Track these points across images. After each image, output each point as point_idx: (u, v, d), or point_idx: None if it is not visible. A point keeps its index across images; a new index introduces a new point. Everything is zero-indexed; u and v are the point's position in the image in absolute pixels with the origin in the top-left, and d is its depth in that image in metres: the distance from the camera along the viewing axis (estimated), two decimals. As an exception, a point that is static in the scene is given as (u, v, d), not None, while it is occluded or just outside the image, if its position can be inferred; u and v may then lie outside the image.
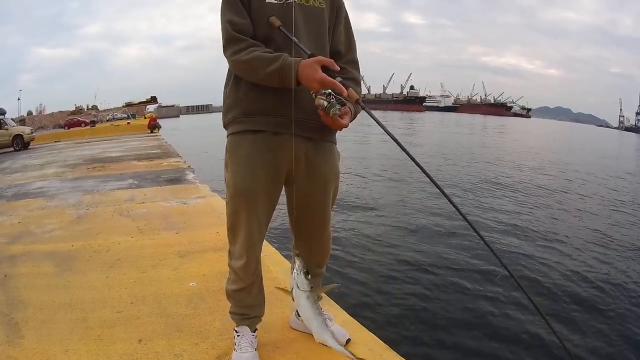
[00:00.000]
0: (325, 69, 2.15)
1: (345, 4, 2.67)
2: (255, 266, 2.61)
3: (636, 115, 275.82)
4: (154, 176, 10.57)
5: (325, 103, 2.13)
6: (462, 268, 7.62)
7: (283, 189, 2.59)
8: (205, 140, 33.85)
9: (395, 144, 2.18)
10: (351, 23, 2.70)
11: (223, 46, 2.35)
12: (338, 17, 2.59)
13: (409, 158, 2.22)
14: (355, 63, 2.68)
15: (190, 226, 5.73)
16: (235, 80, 2.45)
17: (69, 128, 51.44)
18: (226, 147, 2.55)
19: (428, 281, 7.05)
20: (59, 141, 31.33)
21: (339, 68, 2.21)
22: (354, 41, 2.70)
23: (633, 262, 8.86)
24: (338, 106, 2.14)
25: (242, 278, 2.59)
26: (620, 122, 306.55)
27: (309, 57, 2.22)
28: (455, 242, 9.04)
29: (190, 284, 3.76)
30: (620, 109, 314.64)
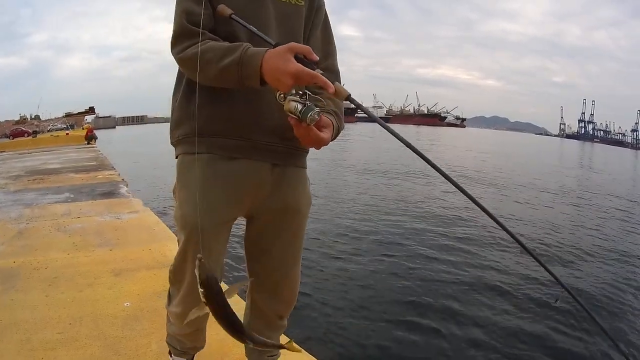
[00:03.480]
0: (299, 59, 1.52)
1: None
2: (203, 315, 1.76)
3: (579, 123, 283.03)
4: (89, 189, 10.23)
5: (300, 106, 1.53)
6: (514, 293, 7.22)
7: None
8: (137, 151, 33.26)
9: (411, 150, 1.62)
10: None
11: (171, 42, 1.77)
12: (317, 19, 2.03)
13: (431, 166, 1.60)
14: (335, 73, 2.07)
15: (124, 242, 5.59)
16: (187, 89, 1.87)
17: (13, 138, 50.01)
18: (177, 169, 1.98)
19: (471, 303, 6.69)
20: (4, 152, 29.97)
21: (317, 58, 1.55)
22: (334, 47, 2.12)
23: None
24: (317, 109, 1.55)
25: (184, 327, 2.09)
26: (561, 129, 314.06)
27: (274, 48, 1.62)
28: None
29: (125, 304, 3.66)
30: (562, 117, 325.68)
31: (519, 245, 1.80)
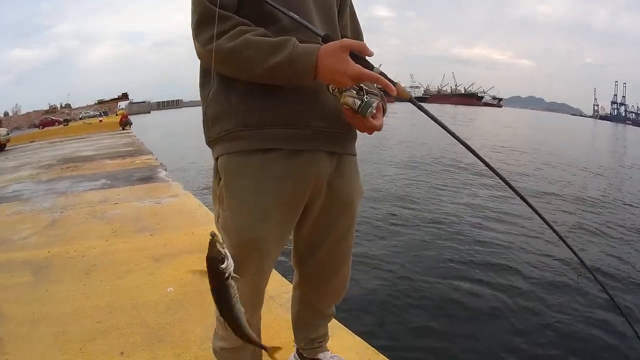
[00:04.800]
0: (354, 56, 1.47)
1: None
2: (256, 322, 1.95)
3: (611, 104, 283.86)
4: (126, 175, 10.36)
5: (358, 101, 1.54)
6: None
7: None
8: (175, 135, 33.70)
9: (466, 148, 1.65)
10: None
11: (194, 28, 1.62)
12: (344, 1, 1.94)
13: (485, 165, 1.66)
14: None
15: (164, 227, 5.62)
16: (220, 77, 1.70)
17: (43, 127, 51.45)
18: (216, 173, 1.79)
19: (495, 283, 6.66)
20: (34, 141, 30.87)
21: (373, 53, 1.50)
22: (361, 32, 2.06)
23: None
24: (375, 104, 1.56)
25: (234, 337, 1.69)
26: (595, 110, 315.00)
27: (323, 41, 1.56)
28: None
29: (168, 290, 3.67)
30: (595, 98, 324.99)
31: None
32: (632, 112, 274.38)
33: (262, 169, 1.66)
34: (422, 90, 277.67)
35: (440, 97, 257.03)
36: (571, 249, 1.80)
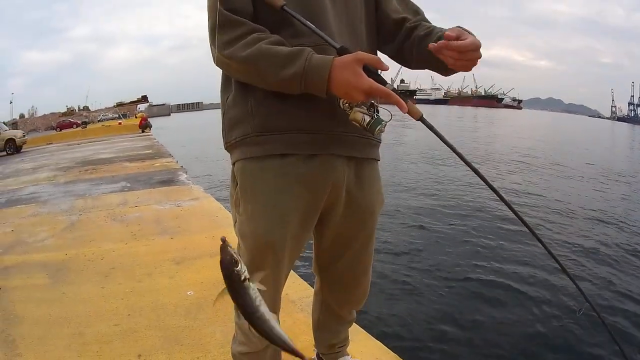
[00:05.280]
0: (367, 70, 1.48)
1: None
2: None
3: (628, 106, 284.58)
4: (146, 178, 10.44)
5: (367, 118, 1.54)
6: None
7: None
8: (196, 137, 33.86)
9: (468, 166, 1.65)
10: None
11: (210, 34, 1.65)
12: None
13: (486, 185, 1.66)
14: (423, 15, 1.94)
15: (185, 230, 5.64)
16: (240, 83, 1.72)
17: (60, 130, 52.42)
18: (234, 178, 1.83)
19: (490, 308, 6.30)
20: (51, 143, 31.38)
21: (388, 67, 1.54)
22: (418, 8, 1.98)
23: None
24: (384, 122, 1.57)
25: (255, 341, 1.90)
26: (612, 112, 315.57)
27: (338, 53, 1.55)
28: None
29: (188, 293, 3.67)
30: (612, 99, 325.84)
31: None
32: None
33: (278, 174, 1.68)
34: (442, 92, 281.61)
35: (461, 99, 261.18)
36: (573, 282, 1.81)
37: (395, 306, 5.93)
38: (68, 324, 3.24)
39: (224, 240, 1.24)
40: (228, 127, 1.78)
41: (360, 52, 1.50)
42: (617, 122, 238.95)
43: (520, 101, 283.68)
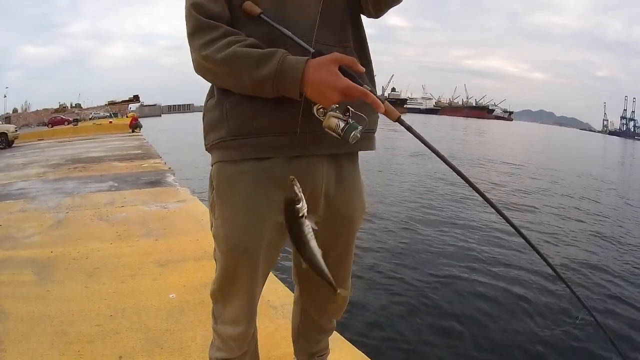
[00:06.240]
0: (343, 71, 1.45)
1: None
2: (252, 334, 1.99)
3: (621, 120, 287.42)
4: (134, 178, 10.44)
5: (342, 123, 1.48)
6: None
7: None
8: (185, 140, 33.82)
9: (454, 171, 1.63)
10: None
11: (188, 39, 1.63)
12: None
13: (469, 185, 1.64)
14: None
15: (170, 233, 5.64)
16: (220, 87, 1.68)
17: (52, 126, 52.34)
18: (211, 180, 1.80)
19: (482, 314, 6.39)
20: (43, 139, 31.29)
21: (364, 70, 1.50)
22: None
23: None
24: (360, 128, 1.49)
25: (233, 347, 1.92)
26: (604, 125, 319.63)
27: (313, 57, 1.51)
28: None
29: (170, 296, 3.66)
30: (605, 113, 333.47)
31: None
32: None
33: (254, 178, 1.66)
34: (433, 101, 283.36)
35: (452, 109, 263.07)
36: (572, 290, 1.79)
37: (377, 315, 5.97)
38: (51, 322, 3.24)
39: (292, 179, 1.40)
40: (206, 130, 1.76)
41: (336, 52, 1.49)
42: (608, 135, 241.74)
43: (511, 113, 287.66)
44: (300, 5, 1.64)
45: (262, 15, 1.58)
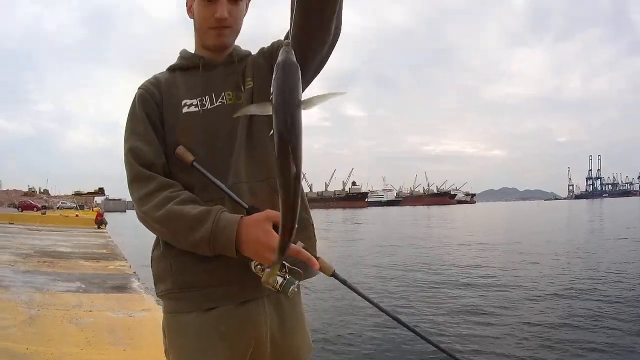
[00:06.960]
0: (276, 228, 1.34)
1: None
2: None
3: (586, 181, 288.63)
4: (100, 280, 10.58)
5: (280, 279, 1.50)
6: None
7: None
8: (149, 239, 33.73)
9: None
10: None
11: (127, 185, 1.71)
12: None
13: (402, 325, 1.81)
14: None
15: (137, 344, 5.80)
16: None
17: (22, 210, 53.10)
18: (163, 328, 1.81)
19: None
20: (13, 223, 31.52)
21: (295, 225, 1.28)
22: None
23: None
24: (297, 282, 1.53)
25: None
26: (569, 191, 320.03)
27: (247, 213, 1.58)
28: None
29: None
30: (569, 178, 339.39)
31: None
32: (607, 184, 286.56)
33: (199, 332, 1.66)
34: (394, 192, 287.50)
35: (413, 198, 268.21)
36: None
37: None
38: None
39: (287, 44, 1.10)
40: (154, 280, 1.79)
41: (270, 210, 1.53)
42: (574, 200, 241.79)
43: (473, 195, 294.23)
44: (230, 147, 1.72)
45: (194, 164, 1.66)
